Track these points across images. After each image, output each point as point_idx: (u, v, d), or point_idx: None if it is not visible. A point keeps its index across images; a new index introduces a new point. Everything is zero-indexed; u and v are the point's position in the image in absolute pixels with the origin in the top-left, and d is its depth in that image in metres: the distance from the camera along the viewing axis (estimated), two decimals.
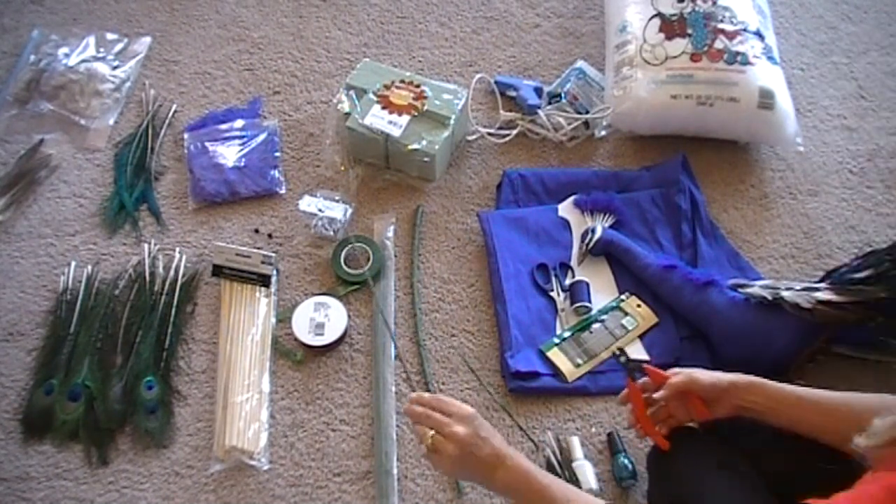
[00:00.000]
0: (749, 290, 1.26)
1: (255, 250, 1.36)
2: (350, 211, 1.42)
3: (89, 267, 1.39)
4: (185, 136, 1.54)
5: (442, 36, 1.73)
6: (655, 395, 1.04)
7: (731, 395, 0.99)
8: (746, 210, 1.48)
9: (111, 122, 1.58)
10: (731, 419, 1.01)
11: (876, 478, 0.71)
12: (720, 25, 1.48)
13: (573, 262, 1.40)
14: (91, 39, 1.68)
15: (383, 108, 1.45)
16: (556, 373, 1.27)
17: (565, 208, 1.45)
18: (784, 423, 0.97)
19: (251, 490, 1.18)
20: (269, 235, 1.43)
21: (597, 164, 1.53)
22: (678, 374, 1.03)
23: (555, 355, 1.28)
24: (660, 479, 1.05)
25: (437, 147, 1.41)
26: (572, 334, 1.31)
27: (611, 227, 1.41)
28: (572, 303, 1.33)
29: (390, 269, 1.38)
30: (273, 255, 1.36)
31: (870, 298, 1.17)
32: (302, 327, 1.29)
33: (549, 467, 1.18)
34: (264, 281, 1.35)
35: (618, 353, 1.25)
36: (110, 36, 1.70)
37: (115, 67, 1.64)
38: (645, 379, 1.07)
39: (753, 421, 0.99)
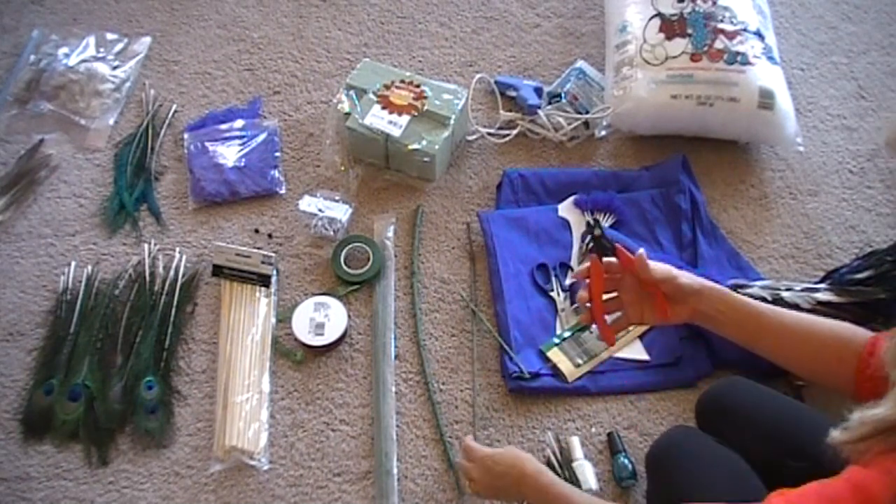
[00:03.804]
0: (749, 290, 1.26)
1: (255, 250, 1.36)
2: (350, 211, 1.42)
3: (89, 267, 1.39)
4: (185, 136, 1.54)
5: (442, 36, 1.73)
6: (642, 276, 0.98)
7: (698, 299, 0.97)
8: (746, 210, 1.48)
9: (111, 122, 1.58)
10: (722, 415, 1.03)
11: (847, 472, 0.71)
12: (720, 25, 1.48)
13: (573, 262, 1.40)
14: (91, 39, 1.68)
15: (383, 108, 1.45)
16: (556, 373, 1.27)
17: (565, 208, 1.45)
18: (743, 338, 0.98)
19: (251, 490, 1.18)
20: (269, 235, 1.43)
21: (597, 164, 1.53)
22: (658, 264, 0.99)
23: (555, 355, 1.28)
24: (658, 479, 1.05)
25: (437, 147, 1.41)
26: (572, 334, 1.31)
27: (611, 227, 1.41)
28: (572, 303, 1.33)
29: (390, 269, 1.38)
30: (273, 255, 1.36)
31: (870, 299, 1.17)
32: (302, 327, 1.29)
33: (549, 467, 1.18)
34: (264, 281, 1.35)
35: (592, 223, 1.11)
36: (110, 36, 1.70)
37: (115, 67, 1.64)
38: (611, 259, 1.00)
39: (745, 417, 1.01)
